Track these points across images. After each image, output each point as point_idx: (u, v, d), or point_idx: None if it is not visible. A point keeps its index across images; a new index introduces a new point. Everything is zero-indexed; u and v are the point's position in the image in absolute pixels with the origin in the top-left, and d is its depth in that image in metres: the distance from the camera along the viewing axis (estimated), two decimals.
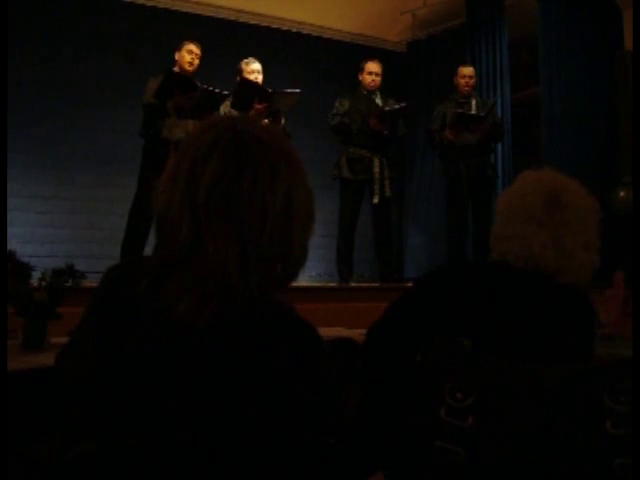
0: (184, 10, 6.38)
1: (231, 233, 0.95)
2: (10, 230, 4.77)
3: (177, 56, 4.68)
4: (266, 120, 4.48)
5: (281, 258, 0.99)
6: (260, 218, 0.96)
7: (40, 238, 5.65)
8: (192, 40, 4.70)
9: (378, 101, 5.15)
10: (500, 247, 1.49)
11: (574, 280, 1.45)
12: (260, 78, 4.80)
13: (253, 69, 4.79)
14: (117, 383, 0.95)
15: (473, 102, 5.40)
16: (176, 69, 4.64)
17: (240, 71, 4.82)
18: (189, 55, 4.64)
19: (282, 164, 1.00)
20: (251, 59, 4.85)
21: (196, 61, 4.66)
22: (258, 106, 4.57)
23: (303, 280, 5.18)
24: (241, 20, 6.67)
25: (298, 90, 4.71)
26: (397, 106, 5.16)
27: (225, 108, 4.70)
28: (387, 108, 5.11)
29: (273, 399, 0.94)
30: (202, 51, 4.70)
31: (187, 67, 4.64)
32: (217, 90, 4.48)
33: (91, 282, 2.03)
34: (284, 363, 0.96)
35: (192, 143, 1.01)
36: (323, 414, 1.00)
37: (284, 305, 1.02)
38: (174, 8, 6.34)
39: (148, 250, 4.27)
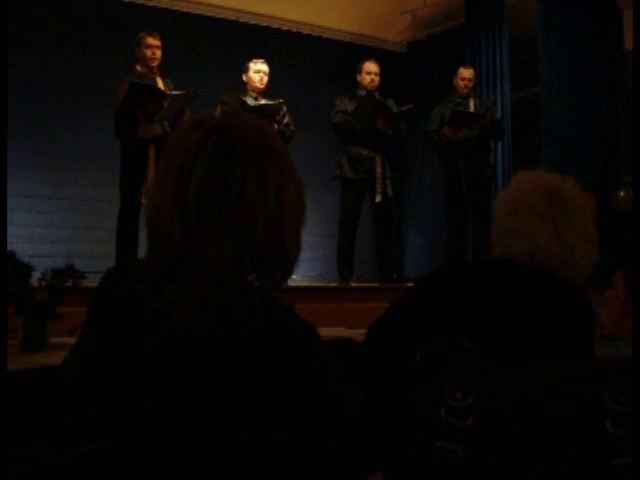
0: (184, 10, 6.38)
1: (223, 235, 0.95)
2: (10, 230, 4.76)
3: (137, 53, 4.51)
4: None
5: (275, 255, 0.98)
6: (251, 218, 0.96)
7: (40, 238, 5.65)
8: (149, 32, 4.52)
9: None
10: (503, 244, 1.49)
11: (576, 274, 1.45)
12: (265, 79, 4.80)
13: (259, 69, 4.80)
14: (117, 384, 0.95)
15: (471, 103, 5.40)
16: (139, 67, 4.53)
17: (247, 69, 4.83)
18: (149, 50, 4.48)
19: (270, 161, 0.99)
20: (260, 60, 4.84)
21: (158, 53, 4.49)
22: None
23: (303, 280, 5.19)
24: (241, 20, 6.67)
25: (281, 100, 4.72)
26: (404, 108, 5.19)
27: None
28: (395, 110, 5.13)
29: (273, 399, 0.94)
30: (162, 40, 4.53)
31: (151, 63, 4.50)
32: (185, 92, 4.41)
33: (91, 282, 2.03)
34: (284, 363, 0.96)
35: (179, 144, 1.00)
36: (322, 413, 1.00)
37: (284, 304, 1.02)
38: (174, 8, 6.35)
39: (141, 252, 4.26)
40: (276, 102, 4.73)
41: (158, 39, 4.51)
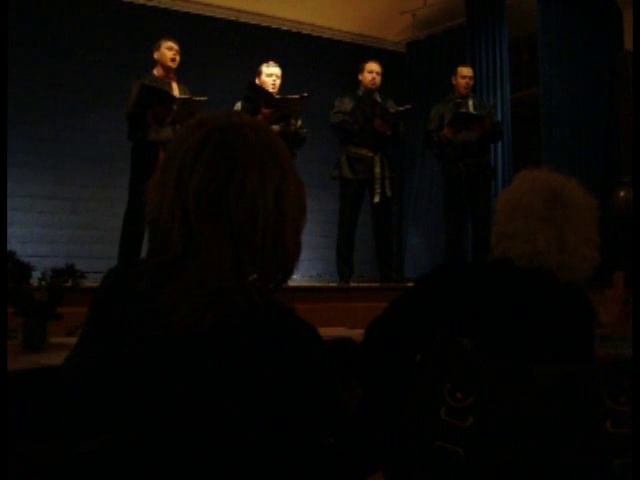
0: (184, 10, 6.39)
1: (223, 235, 0.95)
2: (10, 230, 4.77)
3: (156, 55, 4.59)
4: (277, 126, 4.53)
5: (275, 255, 0.98)
6: (251, 218, 0.96)
7: (40, 238, 5.65)
8: (169, 37, 4.62)
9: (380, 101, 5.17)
10: (503, 245, 1.49)
11: (575, 276, 1.45)
12: (278, 82, 4.81)
13: (271, 72, 4.81)
14: (117, 384, 0.95)
15: (470, 103, 5.40)
16: (157, 70, 4.60)
17: (259, 73, 4.83)
18: (170, 52, 4.57)
19: (270, 161, 0.99)
20: (272, 63, 4.85)
21: (177, 57, 4.59)
22: (265, 111, 4.58)
23: (303, 280, 5.19)
24: (241, 20, 6.67)
25: (306, 94, 4.71)
26: (402, 108, 5.18)
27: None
28: (392, 110, 5.12)
29: (273, 400, 0.94)
30: (180, 47, 4.63)
31: (170, 64, 4.57)
32: (195, 98, 4.45)
33: (91, 282, 2.03)
34: (284, 365, 0.96)
35: (180, 145, 1.00)
36: (323, 414, 1.00)
37: (284, 306, 1.01)
38: (174, 8, 6.35)
39: (144, 252, 4.26)
40: (300, 96, 4.72)
41: (178, 45, 4.62)
